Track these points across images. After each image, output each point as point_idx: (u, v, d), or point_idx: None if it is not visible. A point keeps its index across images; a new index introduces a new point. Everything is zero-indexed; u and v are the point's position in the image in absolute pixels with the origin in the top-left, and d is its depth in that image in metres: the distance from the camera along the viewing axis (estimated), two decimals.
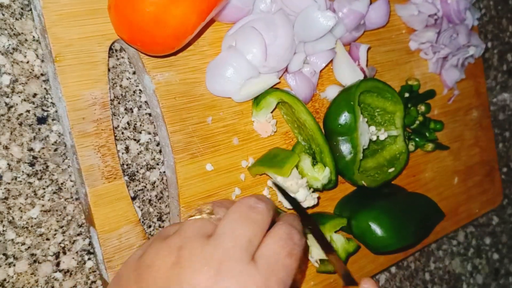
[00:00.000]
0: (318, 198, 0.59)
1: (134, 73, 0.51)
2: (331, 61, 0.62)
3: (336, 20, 0.55)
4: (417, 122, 0.72)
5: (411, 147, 0.71)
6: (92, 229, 0.46)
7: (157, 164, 0.53)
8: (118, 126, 0.50)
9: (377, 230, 0.57)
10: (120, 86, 0.51)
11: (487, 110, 0.86)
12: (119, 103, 0.50)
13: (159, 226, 0.53)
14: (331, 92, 0.62)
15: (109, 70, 0.49)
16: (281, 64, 0.54)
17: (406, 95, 0.71)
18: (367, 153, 0.64)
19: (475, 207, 0.82)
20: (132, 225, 0.48)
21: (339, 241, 0.59)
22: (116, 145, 0.48)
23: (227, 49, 0.52)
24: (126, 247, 0.47)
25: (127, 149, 0.51)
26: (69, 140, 0.45)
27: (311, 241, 0.59)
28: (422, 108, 0.72)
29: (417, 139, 0.71)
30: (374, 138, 0.62)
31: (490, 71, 0.94)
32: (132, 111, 0.51)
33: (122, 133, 0.51)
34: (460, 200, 0.79)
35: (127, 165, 0.51)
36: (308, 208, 0.56)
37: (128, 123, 0.51)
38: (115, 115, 0.50)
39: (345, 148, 0.58)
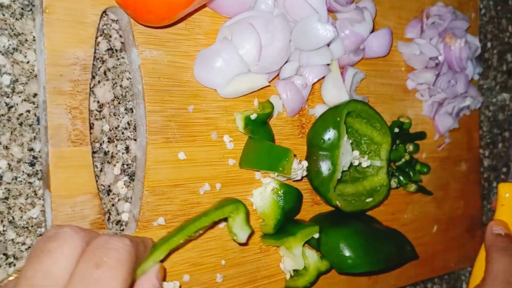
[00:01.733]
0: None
1: None
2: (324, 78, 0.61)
3: (335, 34, 0.54)
4: (403, 160, 0.70)
5: (394, 183, 0.69)
6: (47, 192, 0.44)
7: None
8: (118, 126, 0.50)
9: (345, 249, 0.55)
10: (120, 86, 0.50)
11: (478, 165, 0.85)
12: (119, 103, 0.50)
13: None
14: (320, 110, 0.61)
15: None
16: (273, 66, 0.53)
17: (396, 130, 0.70)
18: (347, 178, 0.63)
19: (451, 260, 0.79)
20: (90, 196, 0.46)
21: (311, 258, 0.57)
22: (89, 111, 0.46)
23: (221, 41, 0.52)
24: (79, 217, 0.45)
25: (127, 149, 0.50)
26: (42, 95, 0.44)
27: (283, 251, 0.56)
28: (410, 147, 0.71)
29: (400, 177, 0.69)
30: (356, 162, 0.61)
31: (490, 71, 0.93)
32: (132, 111, 0.51)
33: (122, 133, 0.50)
34: (436, 249, 0.77)
35: (127, 165, 0.50)
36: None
37: (128, 123, 0.51)
38: (115, 115, 0.50)
39: (324, 164, 0.56)
